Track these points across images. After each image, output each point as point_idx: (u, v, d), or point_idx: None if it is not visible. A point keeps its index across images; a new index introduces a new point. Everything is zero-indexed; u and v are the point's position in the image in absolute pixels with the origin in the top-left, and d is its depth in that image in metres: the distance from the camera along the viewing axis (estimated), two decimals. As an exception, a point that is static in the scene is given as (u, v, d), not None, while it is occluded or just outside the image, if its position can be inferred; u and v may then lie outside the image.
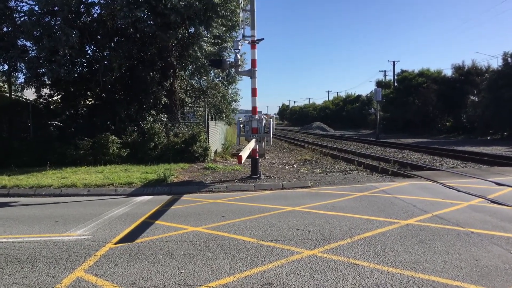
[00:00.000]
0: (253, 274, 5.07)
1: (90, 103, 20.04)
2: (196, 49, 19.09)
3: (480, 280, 4.75)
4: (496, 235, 6.47)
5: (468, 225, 7.05)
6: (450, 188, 10.73)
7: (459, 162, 17.31)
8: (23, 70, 18.08)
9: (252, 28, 13.17)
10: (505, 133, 35.39)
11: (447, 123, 47.13)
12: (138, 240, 6.62)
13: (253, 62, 13.23)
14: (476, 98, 43.01)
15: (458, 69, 45.87)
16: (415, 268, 5.16)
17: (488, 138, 35.37)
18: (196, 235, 6.87)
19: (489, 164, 15.99)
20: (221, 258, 5.68)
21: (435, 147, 25.12)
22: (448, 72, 47.62)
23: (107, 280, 4.97)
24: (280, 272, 5.09)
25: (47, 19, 17.09)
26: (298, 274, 5.02)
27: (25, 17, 17.34)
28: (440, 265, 5.23)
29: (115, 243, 6.49)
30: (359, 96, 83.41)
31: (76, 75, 18.11)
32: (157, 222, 7.87)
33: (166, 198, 10.52)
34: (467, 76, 44.11)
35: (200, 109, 27.95)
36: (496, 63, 55.91)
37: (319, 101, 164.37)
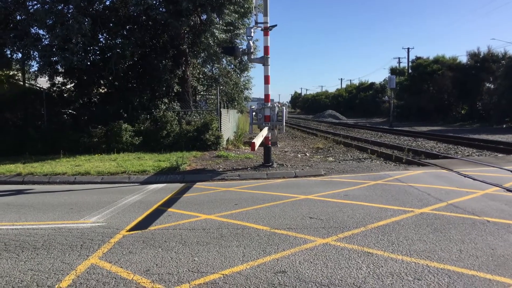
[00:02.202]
0: (266, 262, 5.06)
1: (103, 91, 20.12)
2: (208, 36, 18.97)
3: (497, 270, 4.68)
4: (513, 224, 6.37)
5: (484, 214, 6.95)
6: (465, 176, 10.59)
7: (474, 150, 17.07)
8: (37, 58, 18.23)
9: (265, 14, 13.01)
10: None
11: (462, 111, 46.45)
12: (151, 228, 6.65)
13: (266, 49, 13.11)
14: (492, 85, 42.26)
15: (473, 56, 44.98)
16: (430, 257, 5.10)
17: (504, 126, 34.76)
18: (209, 222, 6.88)
19: (505, 153, 15.72)
20: (234, 246, 5.68)
21: (450, 135, 24.80)
22: (464, 59, 46.72)
23: (121, 267, 5.00)
24: (294, 260, 5.07)
25: (59, 7, 17.09)
26: (311, 262, 4.99)
27: (38, 5, 17.39)
28: (455, 254, 5.17)
29: (129, 230, 6.53)
30: (372, 84, 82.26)
31: (89, 63, 18.16)
32: (170, 209, 7.90)
33: (178, 186, 10.56)
34: (482, 63, 43.26)
35: (212, 97, 27.90)
36: (512, 50, 54.73)
37: (332, 89, 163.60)
